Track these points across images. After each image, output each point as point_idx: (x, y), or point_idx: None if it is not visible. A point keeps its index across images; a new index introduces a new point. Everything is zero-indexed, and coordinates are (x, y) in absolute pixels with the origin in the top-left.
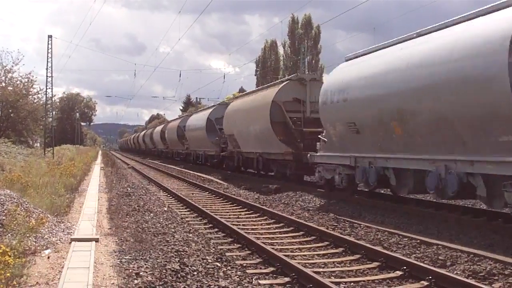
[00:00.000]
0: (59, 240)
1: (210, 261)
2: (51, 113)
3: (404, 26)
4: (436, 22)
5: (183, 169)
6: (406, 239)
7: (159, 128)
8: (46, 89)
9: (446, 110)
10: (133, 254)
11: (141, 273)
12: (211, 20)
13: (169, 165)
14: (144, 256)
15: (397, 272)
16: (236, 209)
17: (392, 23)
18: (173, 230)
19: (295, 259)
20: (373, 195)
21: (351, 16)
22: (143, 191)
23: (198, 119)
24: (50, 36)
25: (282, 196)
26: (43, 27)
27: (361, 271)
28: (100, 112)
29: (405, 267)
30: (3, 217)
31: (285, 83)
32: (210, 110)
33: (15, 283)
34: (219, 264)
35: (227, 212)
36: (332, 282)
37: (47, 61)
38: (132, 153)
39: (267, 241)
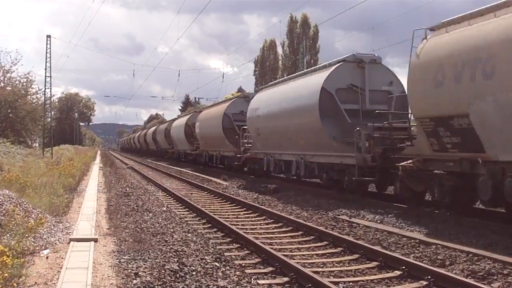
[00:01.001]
0: (58, 240)
1: (209, 261)
2: (49, 113)
3: (403, 25)
4: (434, 21)
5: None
6: (405, 238)
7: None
8: (45, 89)
9: None
10: (132, 254)
11: (140, 273)
12: (210, 20)
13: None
14: (143, 256)
15: (396, 271)
16: (235, 209)
17: (391, 22)
18: (172, 230)
19: (294, 259)
20: (374, 195)
21: (349, 15)
22: (142, 191)
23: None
24: (48, 36)
25: (281, 196)
26: (41, 27)
27: (360, 270)
28: (99, 112)
29: (404, 267)
30: (2, 217)
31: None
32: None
33: (14, 283)
34: (218, 264)
35: (226, 211)
36: (331, 282)
37: (46, 61)
38: (140, 154)
39: (266, 241)
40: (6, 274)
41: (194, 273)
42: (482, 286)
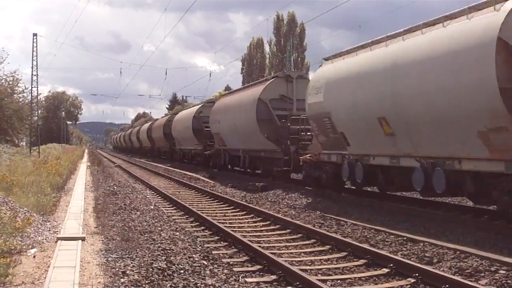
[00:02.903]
0: (45, 239)
1: (196, 259)
2: (36, 112)
3: (389, 24)
4: (421, 19)
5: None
6: (393, 236)
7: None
8: (32, 87)
9: None
10: (120, 252)
11: (127, 272)
12: (195, 18)
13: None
14: (131, 255)
15: (384, 269)
16: (222, 207)
17: (377, 21)
18: (159, 228)
19: (282, 257)
20: (360, 193)
21: (335, 14)
22: (130, 190)
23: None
24: (35, 35)
25: (268, 194)
26: (26, 25)
27: (348, 268)
28: (86, 111)
29: (392, 264)
30: None
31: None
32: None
33: (0, 283)
34: (205, 262)
35: (214, 210)
36: (319, 280)
37: (32, 59)
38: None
39: (253, 239)
40: None
41: (182, 271)
42: (470, 283)
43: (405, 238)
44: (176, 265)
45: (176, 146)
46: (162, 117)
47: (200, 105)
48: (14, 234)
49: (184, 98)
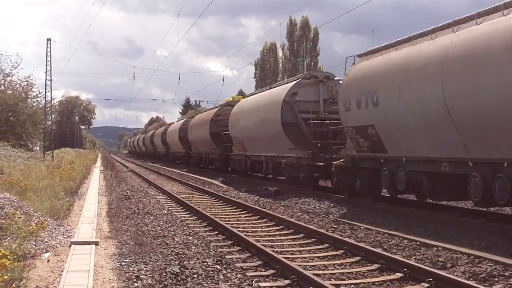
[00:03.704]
0: (59, 243)
1: (210, 263)
2: (50, 117)
3: (402, 28)
4: (434, 23)
5: None
6: (406, 241)
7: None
8: (45, 92)
9: None
10: (133, 257)
11: (141, 276)
12: (208, 23)
13: None
14: (144, 259)
15: (398, 274)
16: (236, 211)
17: (390, 25)
18: (173, 233)
19: (295, 262)
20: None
21: (348, 18)
22: (143, 194)
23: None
24: (49, 40)
25: (281, 199)
26: (40, 31)
27: (361, 273)
28: (99, 115)
29: (405, 269)
30: (3, 221)
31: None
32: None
33: (14, 286)
34: (219, 267)
35: (227, 214)
36: (332, 285)
37: (46, 64)
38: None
39: (267, 243)
40: (5, 277)
41: (195, 276)
42: None
43: (418, 242)
44: (189, 270)
45: (234, 151)
46: (198, 112)
47: (293, 82)
48: (28, 238)
49: (198, 102)
